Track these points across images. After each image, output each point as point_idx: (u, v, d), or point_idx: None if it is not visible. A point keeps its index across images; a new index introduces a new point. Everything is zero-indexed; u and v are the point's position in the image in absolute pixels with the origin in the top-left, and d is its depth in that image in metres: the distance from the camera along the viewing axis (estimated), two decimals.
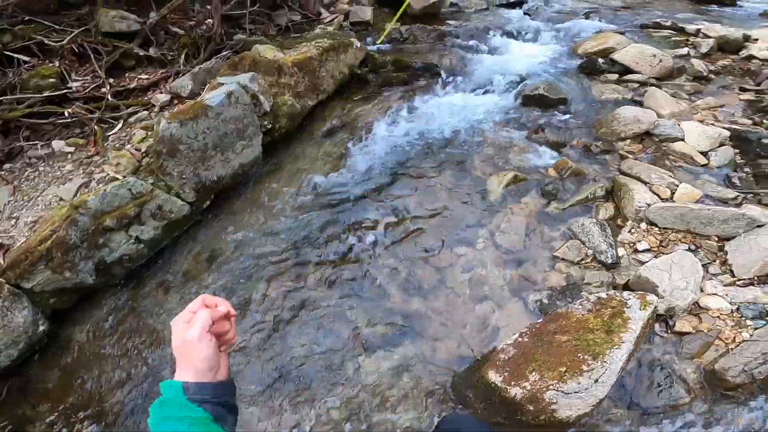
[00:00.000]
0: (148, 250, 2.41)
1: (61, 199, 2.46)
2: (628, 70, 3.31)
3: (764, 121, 2.77)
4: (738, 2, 5.97)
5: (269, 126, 3.05)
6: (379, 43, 3.99)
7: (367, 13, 4.36)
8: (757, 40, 3.90)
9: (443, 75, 3.53)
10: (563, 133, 2.91)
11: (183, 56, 3.50)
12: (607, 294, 1.90)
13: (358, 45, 3.70)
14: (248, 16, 3.89)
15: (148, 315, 2.22)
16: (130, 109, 3.08)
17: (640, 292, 1.86)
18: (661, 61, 3.27)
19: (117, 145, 2.85)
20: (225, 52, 3.63)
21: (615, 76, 3.30)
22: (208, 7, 3.69)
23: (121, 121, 3.03)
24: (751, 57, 3.62)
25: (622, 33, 3.86)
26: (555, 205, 2.53)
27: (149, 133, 2.84)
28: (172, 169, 2.51)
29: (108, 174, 2.57)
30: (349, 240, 2.44)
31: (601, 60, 3.39)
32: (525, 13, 4.40)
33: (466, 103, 3.26)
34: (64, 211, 2.19)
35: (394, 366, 1.94)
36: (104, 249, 2.25)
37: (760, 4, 6.06)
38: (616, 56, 3.35)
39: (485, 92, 3.35)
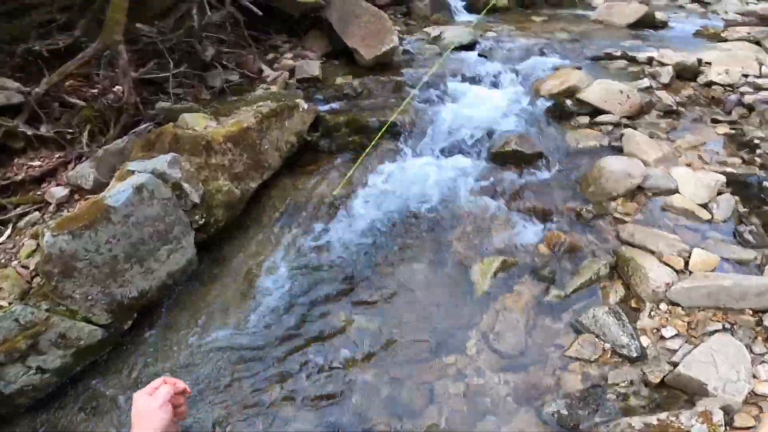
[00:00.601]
0: (57, 378, 1.99)
1: None
2: (597, 111, 3.08)
3: (755, 159, 2.57)
4: (668, 24, 6.17)
5: (202, 221, 2.51)
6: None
7: (314, 67, 3.96)
8: (710, 63, 3.84)
9: (404, 134, 3.16)
10: (547, 196, 2.58)
11: (86, 134, 2.87)
12: (657, 419, 1.53)
13: (306, 106, 3.27)
14: (172, 79, 3.34)
15: None
16: (18, 209, 2.45)
17: (701, 410, 1.54)
18: (628, 97, 3.07)
19: (1, 261, 2.22)
20: (144, 125, 3.03)
21: (586, 119, 3.06)
22: (117, 70, 3.08)
23: (10, 227, 2.40)
24: (711, 83, 3.52)
25: (579, 68, 3.69)
26: (555, 291, 2.18)
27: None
28: (72, 291, 2.00)
29: None
30: (315, 353, 2.01)
31: (568, 102, 3.15)
32: (480, 55, 4.18)
33: (434, 167, 2.90)
34: None
35: None
36: None
37: (687, 24, 6.30)
38: (582, 96, 3.12)
39: (453, 152, 3.02)
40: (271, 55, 4.23)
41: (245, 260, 2.52)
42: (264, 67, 4.03)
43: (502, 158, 2.85)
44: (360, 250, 2.48)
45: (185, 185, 2.46)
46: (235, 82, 3.75)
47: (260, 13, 3.81)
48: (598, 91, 3.08)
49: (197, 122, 2.98)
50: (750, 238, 2.21)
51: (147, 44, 3.45)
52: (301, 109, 3.24)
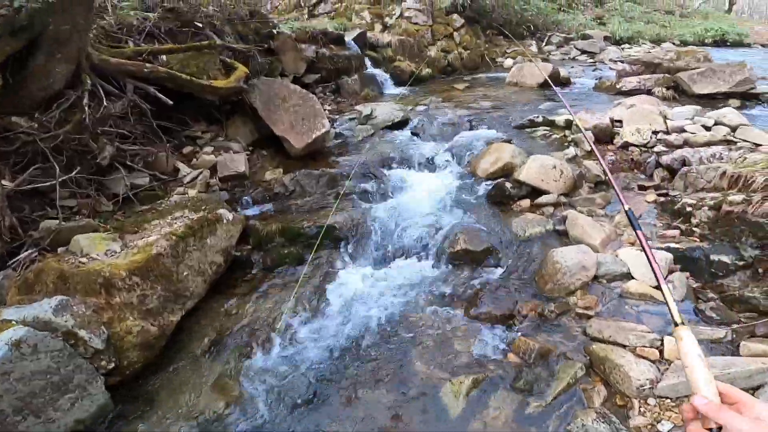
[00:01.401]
0: None
1: None
2: (536, 190, 3.09)
3: (693, 229, 2.65)
4: (571, 80, 6.81)
5: (111, 365, 2.04)
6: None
7: (240, 162, 3.58)
8: (620, 122, 4.14)
9: (346, 240, 2.90)
10: (505, 298, 2.42)
11: None
12: None
13: (231, 217, 2.87)
14: (60, 188, 2.67)
15: None
16: None
17: None
18: (562, 172, 3.13)
19: None
20: (27, 252, 2.43)
21: (527, 202, 3.04)
22: None
23: None
24: (627, 144, 3.75)
25: (509, 141, 3.77)
26: (535, 402, 1.99)
27: None
28: None
29: None
30: None
31: (508, 184, 3.13)
32: (413, 133, 4.15)
33: (382, 277, 2.65)
34: None
35: None
36: None
37: (586, 78, 7.02)
38: (521, 177, 3.12)
39: (400, 256, 2.80)
40: (188, 149, 3.78)
41: (171, 398, 2.05)
42: (180, 164, 3.61)
43: (453, 259, 2.68)
44: (308, 381, 2.10)
45: (81, 332, 1.98)
46: (144, 187, 3.22)
47: (169, 102, 3.39)
48: (534, 169, 3.10)
49: (95, 245, 2.43)
50: (713, 314, 2.19)
51: (25, 143, 2.74)
52: (225, 221, 2.86)
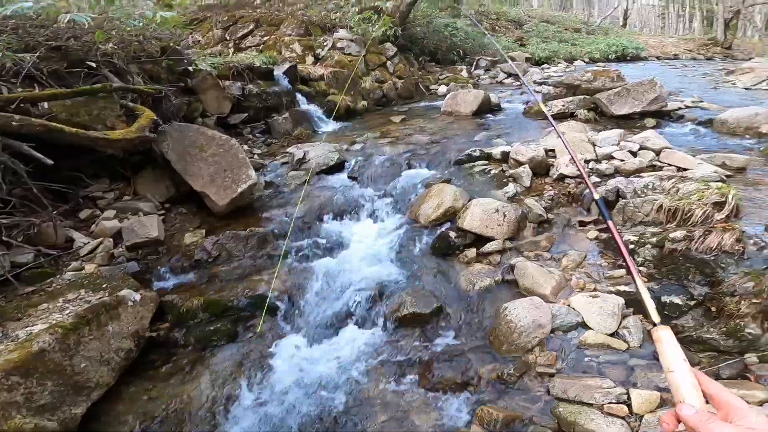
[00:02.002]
0: None
1: None
2: (481, 238, 2.94)
3: (640, 269, 2.61)
4: (501, 106, 6.99)
5: None
6: None
7: (152, 226, 3.05)
8: (554, 151, 4.19)
9: (282, 310, 2.55)
10: (460, 363, 2.19)
11: None
12: None
13: (138, 297, 2.43)
14: None
15: None
16: None
17: None
18: (505, 216, 3.01)
19: None
20: None
21: (473, 251, 2.88)
22: None
23: None
24: (563, 177, 3.77)
25: (449, 180, 3.64)
26: None
27: None
28: None
29: None
30: None
31: (452, 234, 2.95)
32: (350, 177, 3.89)
33: (327, 349, 2.34)
34: None
35: None
36: None
37: (514, 103, 7.23)
38: (464, 225, 2.96)
39: (345, 324, 2.50)
40: (87, 212, 3.21)
41: None
42: (75, 233, 3.03)
43: (401, 324, 2.43)
44: None
45: None
46: (29, 265, 2.69)
47: (48, 162, 2.79)
48: (477, 216, 2.95)
49: None
50: None
51: None
52: (130, 304, 2.40)
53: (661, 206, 2.89)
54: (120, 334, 2.33)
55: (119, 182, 3.50)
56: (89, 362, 2.17)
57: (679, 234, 2.69)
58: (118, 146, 3.06)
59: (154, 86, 3.98)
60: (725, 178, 3.35)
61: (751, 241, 2.63)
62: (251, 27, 7.85)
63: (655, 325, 0.68)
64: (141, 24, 4.03)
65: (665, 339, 0.64)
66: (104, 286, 2.56)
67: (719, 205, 2.84)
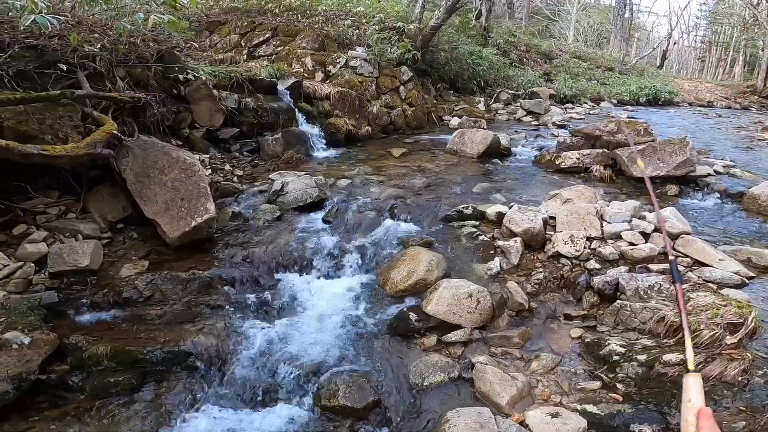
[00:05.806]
0: None
1: None
2: (446, 325, 2.55)
3: (617, 384, 2.21)
4: (512, 150, 6.58)
5: None
6: None
7: (84, 253, 2.74)
8: (554, 218, 3.75)
9: (203, 372, 2.23)
10: None
11: None
12: None
13: (27, 341, 2.17)
14: None
15: None
16: None
17: None
18: (479, 302, 2.62)
19: None
20: None
21: (434, 339, 2.50)
22: None
23: None
24: (558, 255, 3.35)
25: (429, 245, 3.25)
26: None
27: None
28: None
29: None
30: None
31: (413, 316, 2.57)
32: (324, 220, 3.55)
33: (240, 425, 2.03)
34: None
35: None
36: None
37: (527, 148, 6.80)
38: (429, 309, 2.58)
39: (270, 399, 2.20)
40: (21, 228, 2.87)
41: None
42: None
43: (330, 413, 2.10)
44: None
45: None
46: None
47: None
48: (445, 300, 2.58)
49: None
50: None
51: None
52: (16, 346, 2.11)
53: (663, 318, 2.47)
54: None
55: (70, 197, 3.23)
56: None
57: (674, 357, 2.28)
58: (59, 163, 2.77)
59: (131, 94, 3.73)
60: (747, 281, 2.90)
61: (761, 372, 2.23)
62: (268, 35, 7.66)
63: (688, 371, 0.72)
64: (130, 27, 3.80)
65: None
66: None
67: (734, 326, 2.41)
